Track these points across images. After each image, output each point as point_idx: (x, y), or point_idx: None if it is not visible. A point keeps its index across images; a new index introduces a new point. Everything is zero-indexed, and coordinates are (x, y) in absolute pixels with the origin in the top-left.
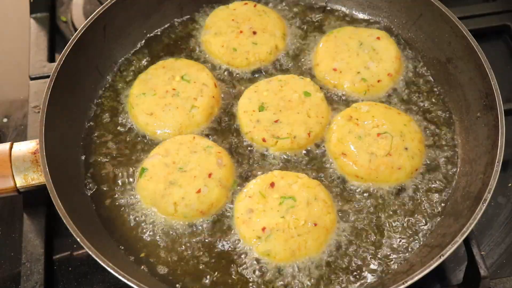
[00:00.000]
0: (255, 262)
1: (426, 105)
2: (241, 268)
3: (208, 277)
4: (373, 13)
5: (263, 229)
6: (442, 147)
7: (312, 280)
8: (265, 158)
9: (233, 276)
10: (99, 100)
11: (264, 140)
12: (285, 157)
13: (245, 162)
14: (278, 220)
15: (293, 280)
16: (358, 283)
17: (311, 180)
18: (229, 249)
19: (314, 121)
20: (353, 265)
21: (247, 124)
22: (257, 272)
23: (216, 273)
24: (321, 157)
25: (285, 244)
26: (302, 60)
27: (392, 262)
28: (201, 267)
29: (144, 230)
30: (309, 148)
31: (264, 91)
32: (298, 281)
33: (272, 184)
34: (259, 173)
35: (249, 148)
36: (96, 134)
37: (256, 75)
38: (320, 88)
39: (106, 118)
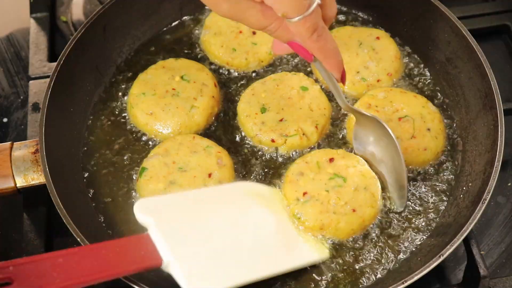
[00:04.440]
0: None
1: None
2: None
3: None
4: (372, 13)
5: (304, 193)
6: None
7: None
8: (270, 159)
9: None
10: (99, 100)
11: (273, 140)
12: (291, 156)
13: (246, 161)
14: (321, 192)
15: None
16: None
17: (369, 171)
18: None
19: (317, 113)
20: (367, 263)
21: (252, 128)
22: None
23: None
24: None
25: (318, 215)
26: (302, 60)
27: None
28: None
29: (145, 230)
30: (313, 147)
31: (261, 92)
32: None
33: (331, 160)
34: (262, 172)
35: (249, 147)
36: (96, 134)
37: (256, 75)
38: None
39: (106, 118)
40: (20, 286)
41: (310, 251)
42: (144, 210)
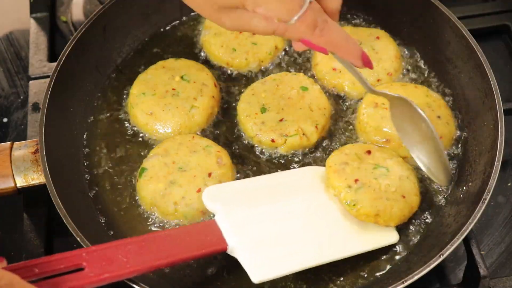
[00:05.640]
0: None
1: None
2: None
3: (209, 270)
4: (372, 13)
5: (356, 180)
6: None
7: None
8: (270, 159)
9: (230, 277)
10: (99, 100)
11: (273, 140)
12: (291, 156)
13: (246, 161)
14: (371, 179)
15: None
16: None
17: (406, 164)
18: None
19: (317, 113)
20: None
21: (252, 128)
22: None
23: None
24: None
25: (373, 202)
26: (302, 60)
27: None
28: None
29: (145, 230)
30: (313, 147)
31: (261, 92)
32: None
33: (369, 152)
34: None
35: (250, 147)
36: (96, 134)
37: (256, 75)
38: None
39: (106, 118)
40: (92, 271)
41: (380, 235)
42: (212, 197)
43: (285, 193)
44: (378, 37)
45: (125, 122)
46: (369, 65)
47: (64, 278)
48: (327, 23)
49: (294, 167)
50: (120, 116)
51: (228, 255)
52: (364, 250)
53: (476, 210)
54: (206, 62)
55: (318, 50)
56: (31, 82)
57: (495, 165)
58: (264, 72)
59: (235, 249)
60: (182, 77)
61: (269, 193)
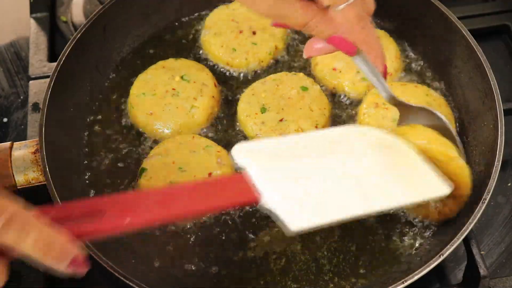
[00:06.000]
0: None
1: None
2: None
3: (212, 269)
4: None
5: None
6: None
7: None
8: None
9: (233, 277)
10: (99, 100)
11: None
12: None
13: None
14: None
15: None
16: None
17: None
18: None
19: (317, 113)
20: None
21: (252, 127)
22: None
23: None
24: None
25: None
26: (302, 60)
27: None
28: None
29: (145, 230)
30: None
31: (261, 92)
32: None
33: None
34: None
35: None
36: (96, 134)
37: (256, 75)
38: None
39: (106, 118)
40: (111, 217)
41: (431, 185)
42: (242, 153)
43: (322, 150)
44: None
45: (125, 122)
46: (385, 75)
47: (83, 223)
48: (368, 20)
49: None
50: (120, 116)
51: (232, 258)
52: (415, 201)
53: (476, 210)
54: (206, 62)
55: (345, 49)
56: (31, 82)
57: (495, 165)
58: (264, 72)
59: (269, 200)
60: (182, 77)
61: (303, 151)
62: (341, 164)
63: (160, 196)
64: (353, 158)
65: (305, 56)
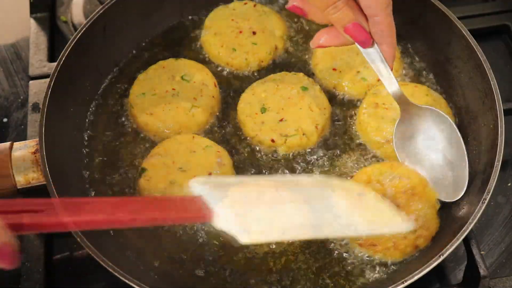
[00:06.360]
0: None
1: None
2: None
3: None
4: None
5: None
6: None
7: None
8: (270, 159)
9: (232, 277)
10: (99, 100)
11: (273, 140)
12: (291, 156)
13: (246, 161)
14: None
15: None
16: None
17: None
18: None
19: (317, 113)
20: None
21: (252, 127)
22: None
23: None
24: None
25: None
26: (302, 60)
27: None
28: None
29: (145, 230)
30: (313, 147)
31: (261, 92)
32: None
33: None
34: (262, 172)
35: (249, 147)
36: (96, 134)
37: (256, 75)
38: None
39: (106, 118)
40: (48, 215)
41: (394, 220)
42: (200, 184)
43: (279, 184)
44: None
45: (125, 122)
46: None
47: (19, 216)
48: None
49: (294, 167)
50: (120, 116)
51: (232, 258)
52: (368, 233)
53: (476, 210)
54: (206, 62)
55: (360, 39)
56: (31, 82)
57: (495, 165)
58: (264, 72)
59: (221, 218)
60: (182, 77)
61: (260, 183)
62: (292, 194)
63: (113, 202)
64: (306, 190)
65: (312, 46)
